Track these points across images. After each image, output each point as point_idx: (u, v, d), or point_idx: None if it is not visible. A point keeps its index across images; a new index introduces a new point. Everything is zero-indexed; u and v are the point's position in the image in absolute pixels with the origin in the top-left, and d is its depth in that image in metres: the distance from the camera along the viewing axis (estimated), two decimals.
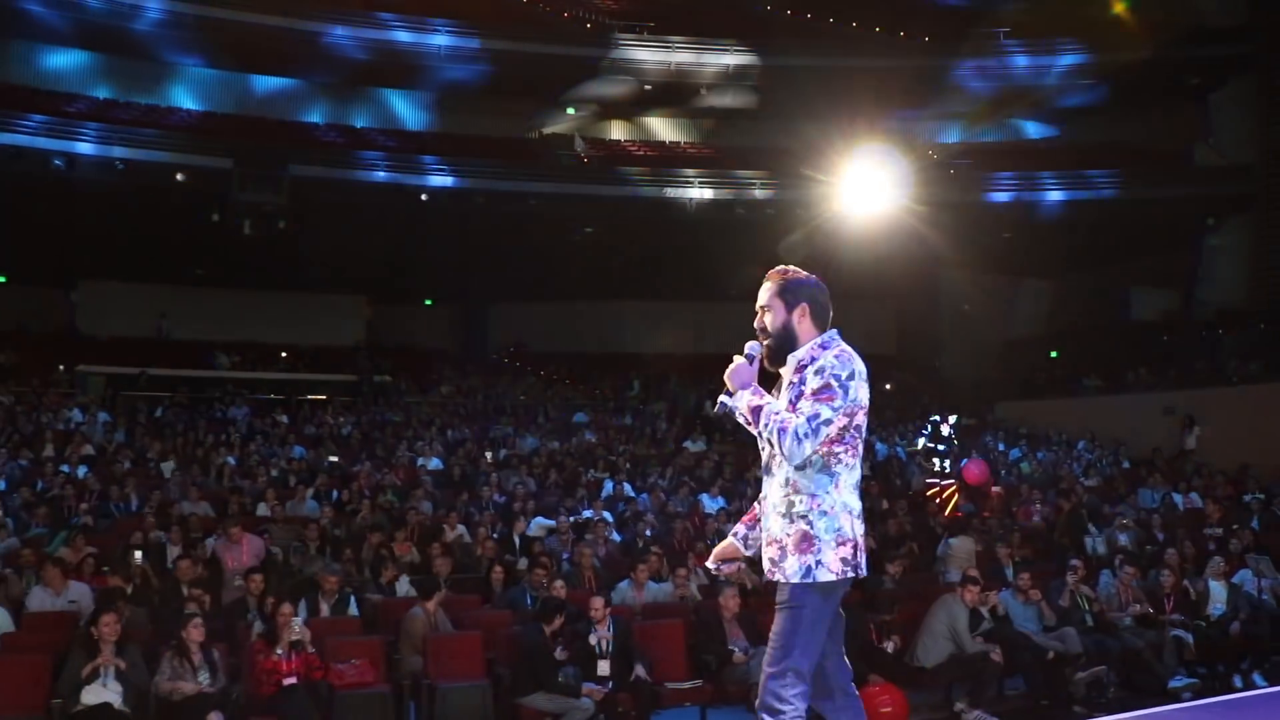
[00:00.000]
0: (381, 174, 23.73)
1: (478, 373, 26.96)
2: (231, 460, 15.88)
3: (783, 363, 3.49)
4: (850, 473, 3.42)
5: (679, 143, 29.19)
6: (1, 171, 20.44)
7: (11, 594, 8.58)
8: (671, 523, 12.80)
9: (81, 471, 14.20)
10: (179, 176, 21.69)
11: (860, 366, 3.43)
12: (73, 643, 7.04)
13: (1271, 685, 8.62)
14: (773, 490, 3.48)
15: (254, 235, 22.65)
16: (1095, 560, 11.04)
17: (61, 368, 22.87)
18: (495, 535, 11.78)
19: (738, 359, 3.48)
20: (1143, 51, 22.78)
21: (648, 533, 12.45)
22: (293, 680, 7.00)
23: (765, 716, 3.34)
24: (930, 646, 8.27)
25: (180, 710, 6.73)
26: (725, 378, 3.48)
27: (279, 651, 7.13)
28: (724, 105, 27.35)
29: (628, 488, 15.46)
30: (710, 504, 14.11)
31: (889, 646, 8.30)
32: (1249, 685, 8.79)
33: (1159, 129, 26.58)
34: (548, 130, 27.97)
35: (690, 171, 25.51)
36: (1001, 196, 25.19)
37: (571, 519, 12.54)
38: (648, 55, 25.72)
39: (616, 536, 12.36)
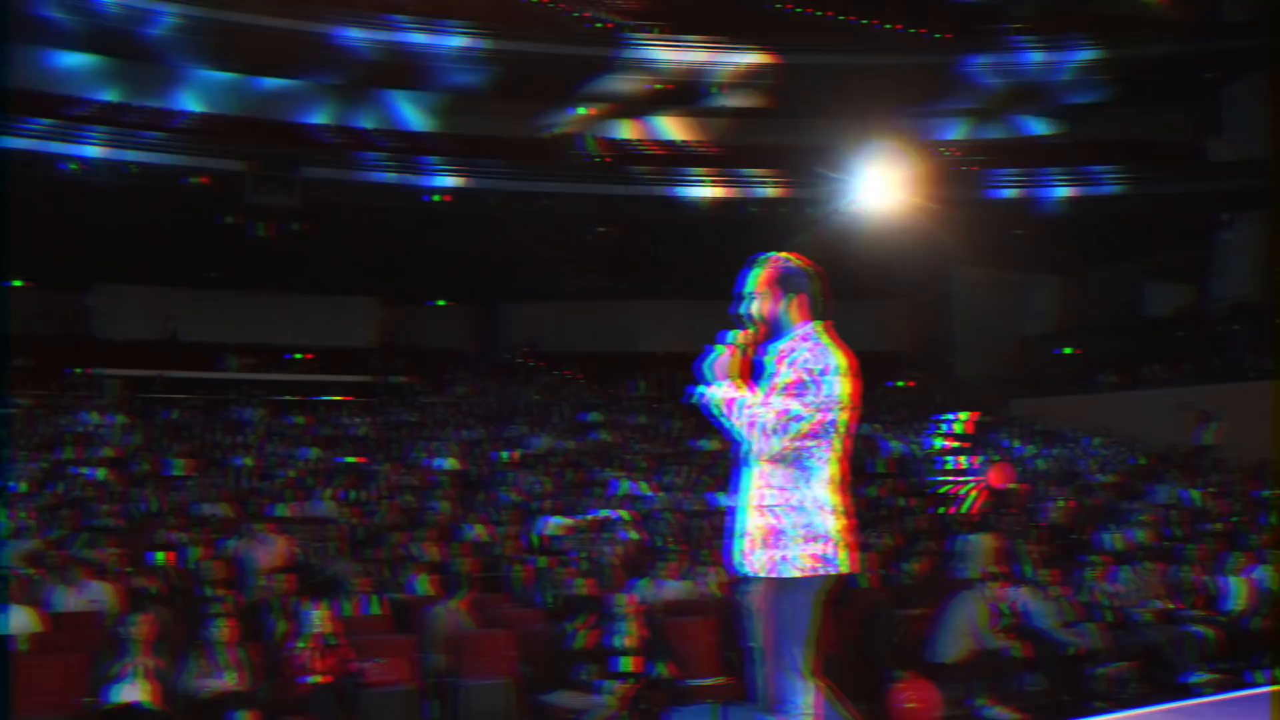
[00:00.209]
0: (393, 175, 23.80)
1: (491, 373, 27.03)
2: (248, 462, 16.00)
3: (766, 352, 3.46)
4: (826, 468, 3.38)
5: (690, 141, 29.21)
6: (14, 175, 20.57)
7: (35, 595, 8.66)
8: (689, 521, 12.85)
9: (100, 474, 14.33)
10: (191, 179, 21.82)
11: (839, 360, 3.39)
12: (102, 642, 7.13)
13: None
14: (747, 483, 3.43)
15: (267, 237, 22.79)
16: (1113, 556, 11.04)
17: (78, 371, 22.98)
18: (515, 534, 11.84)
19: (718, 349, 3.44)
20: (1157, 46, 22.75)
21: (661, 531, 12.51)
22: (321, 678, 7.06)
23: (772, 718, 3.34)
24: (949, 643, 8.29)
25: (209, 708, 6.81)
26: (704, 368, 3.44)
27: (308, 648, 7.19)
28: (736, 103, 27.36)
29: (641, 486, 15.51)
30: (724, 502, 14.15)
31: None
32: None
33: (1171, 124, 26.53)
34: (559, 130, 28.02)
35: (702, 170, 25.52)
36: (1011, 193, 25.16)
37: (587, 517, 12.60)
38: (660, 55, 25.73)
39: (630, 535, 12.40)
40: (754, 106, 27.36)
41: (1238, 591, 9.70)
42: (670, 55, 25.79)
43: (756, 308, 3.51)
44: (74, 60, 24.93)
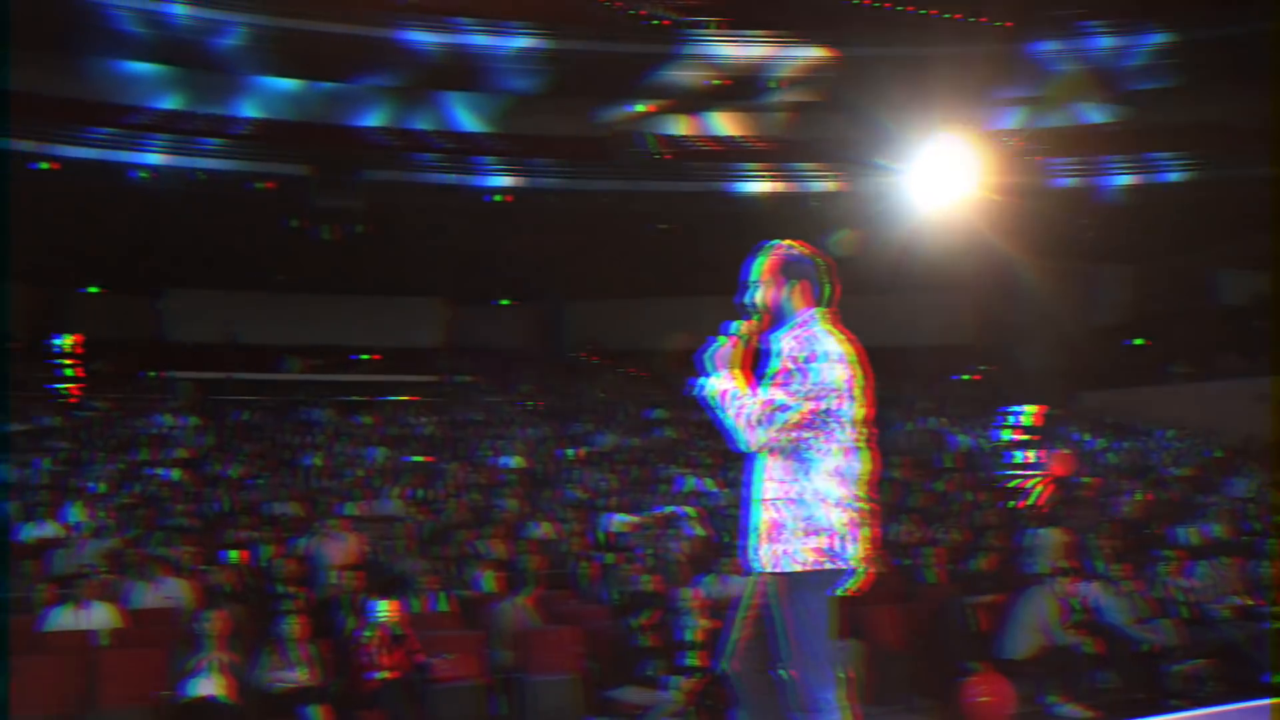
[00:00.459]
0: (453, 176, 24.02)
1: (556, 371, 27.17)
2: (317, 461, 16.25)
3: (768, 342, 3.43)
4: (827, 459, 3.30)
5: (749, 136, 29.09)
6: (87, 185, 21.13)
7: (114, 592, 8.87)
8: None
9: (175, 474, 14.64)
10: (257, 185, 22.20)
11: (829, 347, 3.32)
12: (178, 638, 7.29)
13: None
14: (754, 477, 3.41)
15: (332, 240, 23.12)
16: (1188, 551, 10.82)
17: (152, 374, 23.52)
18: (580, 531, 11.88)
19: (721, 340, 3.42)
20: (1227, 27, 22.22)
21: (727, 527, 12.48)
22: (390, 674, 7.16)
23: (803, 716, 3.29)
24: (1018, 639, 8.18)
25: (281, 703, 6.94)
26: (704, 359, 3.42)
27: (376, 644, 7.29)
28: (795, 97, 27.20)
29: (706, 482, 15.49)
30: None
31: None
32: None
33: (1244, 107, 25.87)
34: (618, 128, 28.05)
35: (761, 165, 25.43)
36: (1077, 181, 24.71)
37: (653, 513, 12.61)
38: (719, 50, 25.67)
39: (695, 531, 12.40)
40: (813, 100, 27.18)
41: None
42: (729, 50, 25.72)
43: (759, 296, 3.50)
44: (138, 69, 25.42)
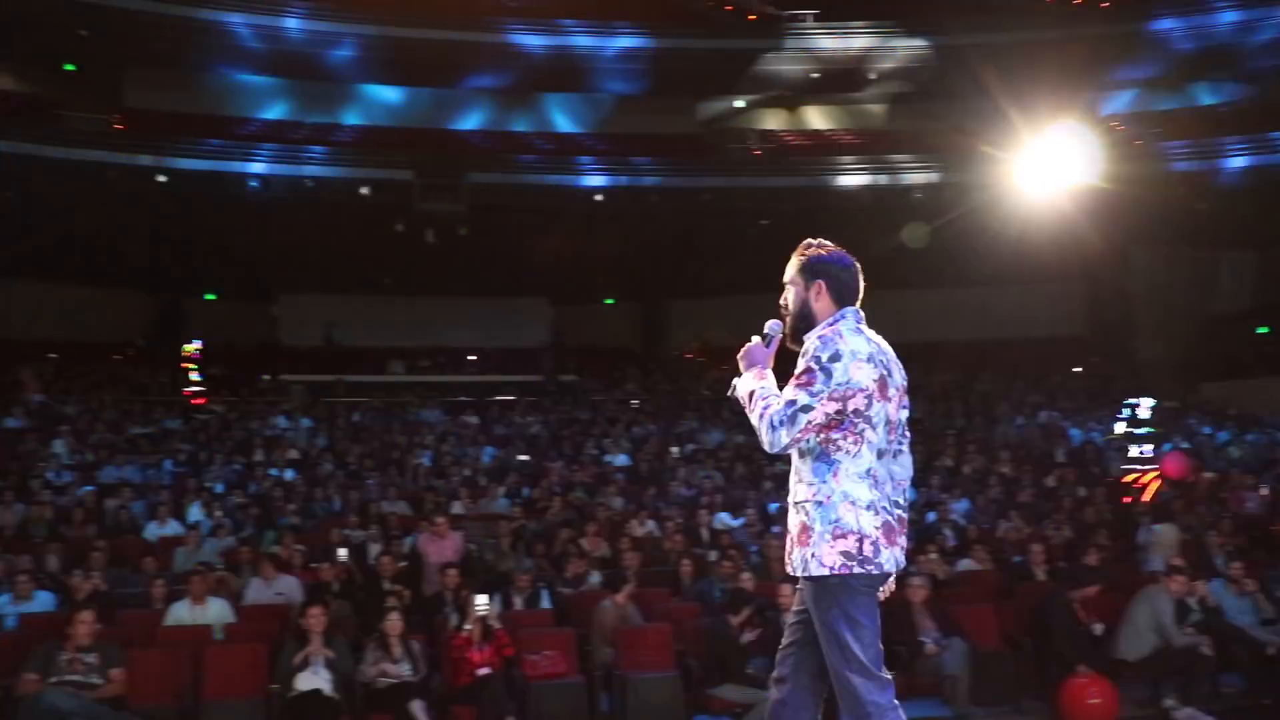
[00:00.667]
0: (555, 176, 24.21)
1: (661, 369, 27.19)
2: (426, 460, 16.52)
3: (801, 343, 3.37)
4: (854, 461, 3.20)
5: (851, 129, 28.74)
6: (204, 195, 21.88)
7: (230, 588, 9.16)
8: None
9: (288, 474, 15.05)
10: (363, 190, 22.68)
11: (854, 346, 3.23)
12: (288, 633, 7.49)
13: None
14: (792, 480, 3.35)
15: (437, 243, 23.50)
16: None
17: (266, 377, 24.22)
18: (683, 529, 11.87)
19: (754, 339, 3.39)
20: None
21: None
22: (487, 670, 7.24)
23: None
24: (1133, 639, 7.92)
25: (383, 697, 7.08)
26: (738, 358, 3.37)
27: (477, 641, 7.38)
28: (897, 88, 26.79)
29: None
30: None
31: (1097, 629, 7.96)
32: None
33: None
34: (716, 124, 27.96)
35: (864, 158, 25.10)
36: (1193, 165, 23.80)
37: (759, 511, 12.54)
38: (820, 43, 25.39)
39: None
40: (916, 90, 26.72)
41: None
42: (830, 44, 25.42)
43: (788, 297, 3.48)
44: (248, 81, 26.15)
